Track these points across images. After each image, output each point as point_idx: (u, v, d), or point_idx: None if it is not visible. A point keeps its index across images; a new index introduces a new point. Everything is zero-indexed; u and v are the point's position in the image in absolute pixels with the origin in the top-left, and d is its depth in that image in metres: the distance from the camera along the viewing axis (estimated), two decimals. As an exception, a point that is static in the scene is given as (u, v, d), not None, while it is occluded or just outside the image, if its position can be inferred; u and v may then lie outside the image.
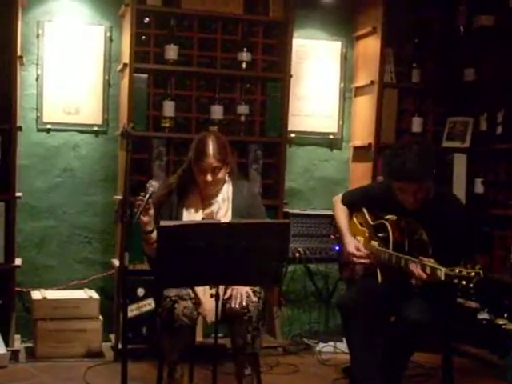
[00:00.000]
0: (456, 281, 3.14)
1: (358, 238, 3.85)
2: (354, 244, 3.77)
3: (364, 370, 3.54)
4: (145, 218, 3.32)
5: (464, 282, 3.13)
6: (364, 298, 3.57)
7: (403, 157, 3.42)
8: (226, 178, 3.58)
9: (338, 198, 3.97)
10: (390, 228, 3.62)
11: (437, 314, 3.44)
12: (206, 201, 3.56)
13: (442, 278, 3.19)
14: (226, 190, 3.57)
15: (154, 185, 3.32)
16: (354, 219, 3.91)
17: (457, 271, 3.14)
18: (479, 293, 4.80)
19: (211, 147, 3.45)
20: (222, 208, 3.53)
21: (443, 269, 3.20)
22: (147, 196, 3.26)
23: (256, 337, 3.37)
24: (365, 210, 3.85)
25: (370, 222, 3.81)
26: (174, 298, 3.35)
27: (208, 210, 3.54)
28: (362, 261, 3.72)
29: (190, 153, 3.54)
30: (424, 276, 3.29)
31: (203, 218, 3.52)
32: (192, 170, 3.52)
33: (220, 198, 3.55)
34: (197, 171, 3.48)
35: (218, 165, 3.45)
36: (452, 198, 3.69)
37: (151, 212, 3.33)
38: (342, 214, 3.91)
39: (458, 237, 3.45)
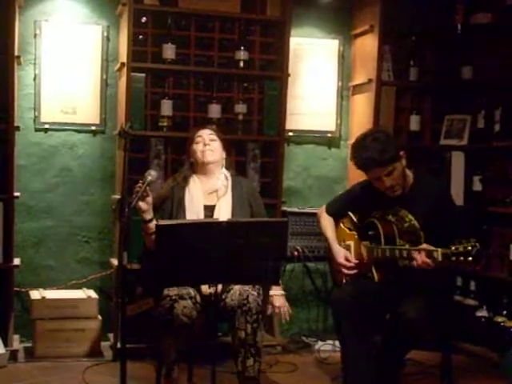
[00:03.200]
0: (454, 258, 3.14)
1: (348, 242, 3.84)
2: (342, 254, 3.78)
3: (357, 370, 3.53)
4: (142, 204, 3.38)
5: (462, 258, 3.12)
6: (358, 297, 3.56)
7: (361, 147, 3.56)
8: (226, 172, 3.79)
9: (322, 210, 4.00)
10: (378, 224, 3.63)
11: (434, 312, 3.44)
12: (206, 186, 3.76)
13: (439, 258, 3.19)
14: (225, 178, 3.79)
15: (152, 174, 3.39)
16: (342, 225, 3.91)
17: (453, 248, 3.15)
18: (478, 290, 4.87)
19: (207, 128, 3.91)
20: (223, 197, 3.70)
21: (439, 249, 3.21)
22: (145, 183, 3.32)
23: (256, 329, 3.39)
24: (350, 214, 3.85)
25: (358, 223, 3.81)
26: (174, 298, 3.37)
27: (210, 194, 3.72)
28: (351, 272, 3.74)
29: (188, 144, 3.85)
30: (430, 263, 3.27)
31: (205, 206, 3.66)
32: (191, 168, 3.75)
33: (219, 183, 3.75)
34: (195, 147, 3.78)
35: (214, 136, 3.82)
36: (431, 179, 3.76)
37: (149, 199, 3.41)
38: (327, 224, 3.92)
39: (446, 216, 3.48)
